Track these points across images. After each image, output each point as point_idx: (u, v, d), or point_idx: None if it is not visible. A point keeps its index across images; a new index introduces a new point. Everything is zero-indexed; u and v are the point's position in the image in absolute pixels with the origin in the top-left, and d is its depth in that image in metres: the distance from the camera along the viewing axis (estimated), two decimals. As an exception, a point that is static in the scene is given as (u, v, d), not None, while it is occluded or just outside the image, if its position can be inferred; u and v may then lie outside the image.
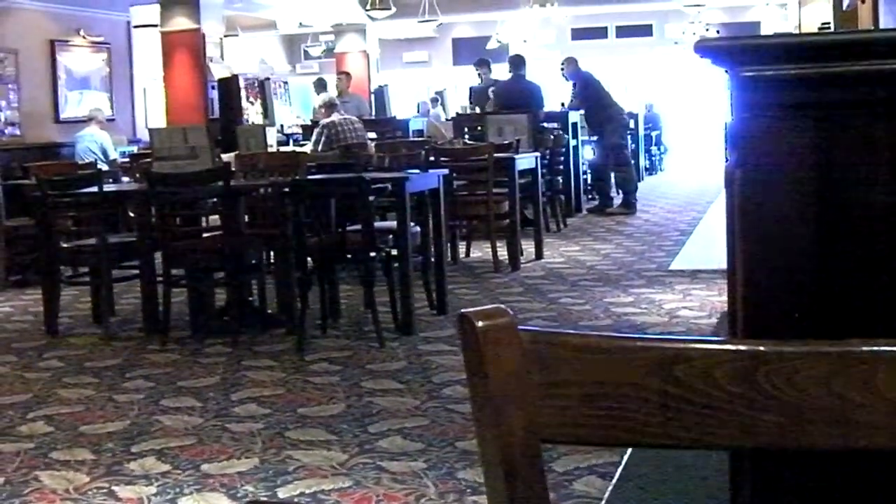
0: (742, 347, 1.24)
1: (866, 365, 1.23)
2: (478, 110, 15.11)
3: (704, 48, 2.03)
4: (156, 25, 16.69)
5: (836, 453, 1.25)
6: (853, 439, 1.22)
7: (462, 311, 1.18)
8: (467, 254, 11.01)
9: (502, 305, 1.20)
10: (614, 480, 4.37)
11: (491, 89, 14.70)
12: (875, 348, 1.24)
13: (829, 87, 1.96)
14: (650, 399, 1.21)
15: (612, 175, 15.03)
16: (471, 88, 16.23)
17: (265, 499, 4.24)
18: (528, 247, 10.65)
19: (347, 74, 17.34)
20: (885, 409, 1.21)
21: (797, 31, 16.84)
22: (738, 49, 2.02)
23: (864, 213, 1.99)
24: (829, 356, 1.23)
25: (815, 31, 15.05)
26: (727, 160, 1.99)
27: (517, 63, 14.43)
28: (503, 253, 10.12)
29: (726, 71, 2.01)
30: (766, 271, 2.01)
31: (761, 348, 1.24)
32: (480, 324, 1.17)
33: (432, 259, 7.96)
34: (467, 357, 1.19)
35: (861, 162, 1.97)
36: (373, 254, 7.05)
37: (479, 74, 15.72)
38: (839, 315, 1.97)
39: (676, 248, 11.20)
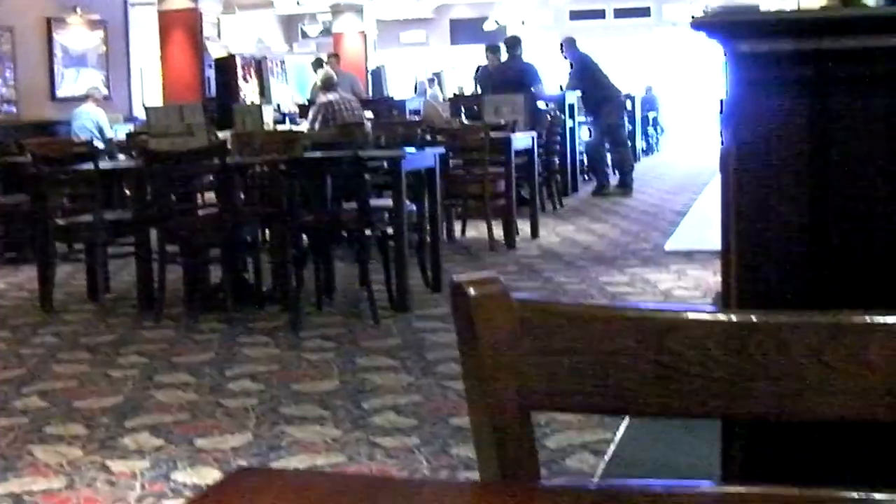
0: (734, 318, 1.24)
1: (858, 336, 1.23)
2: (479, 90, 15.08)
3: (701, 23, 2.02)
4: (153, 4, 16.65)
5: (827, 423, 1.25)
6: (844, 409, 1.22)
7: (454, 278, 1.18)
8: (463, 233, 11.01)
9: (494, 273, 1.20)
10: (607, 457, 4.38)
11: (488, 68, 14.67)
12: (866, 319, 1.24)
13: (826, 62, 1.96)
14: (642, 368, 1.21)
15: (609, 156, 15.01)
16: (478, 68, 16.13)
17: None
18: (523, 226, 10.65)
19: (336, 56, 17.33)
20: (877, 379, 1.21)
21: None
22: (734, 24, 2.02)
23: (860, 190, 1.99)
24: (821, 327, 1.23)
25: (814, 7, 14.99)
26: (722, 142, 1.99)
27: (514, 44, 14.39)
28: (499, 232, 10.12)
29: (722, 46, 2.00)
30: (761, 249, 2.00)
31: (753, 319, 1.24)
32: (472, 291, 1.17)
33: (427, 237, 7.95)
34: (459, 324, 1.19)
35: (857, 138, 1.97)
36: (368, 232, 7.05)
37: (487, 57, 15.61)
38: (833, 294, 1.97)
39: (672, 228, 11.20)
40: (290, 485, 1.12)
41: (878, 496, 1.05)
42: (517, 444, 1.17)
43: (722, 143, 1.97)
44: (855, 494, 1.06)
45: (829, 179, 1.96)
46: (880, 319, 1.23)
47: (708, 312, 1.25)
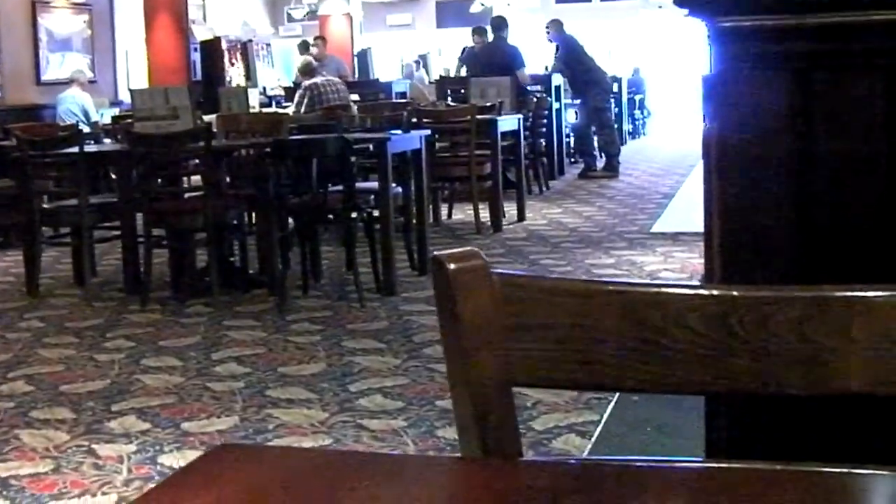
0: (715, 292, 1.24)
1: (840, 310, 1.22)
2: (463, 72, 15.03)
3: (684, 0, 2.01)
4: (138, -14, 16.58)
5: (810, 398, 1.24)
6: (826, 384, 1.22)
7: (434, 253, 1.18)
8: (449, 215, 11.01)
9: (475, 248, 1.19)
10: (593, 439, 4.38)
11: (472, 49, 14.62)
12: (848, 293, 1.24)
13: (810, 38, 1.95)
14: (623, 343, 1.21)
15: (595, 138, 15.00)
16: (464, 49, 16.07)
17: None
18: (510, 209, 10.65)
19: (323, 39, 17.27)
20: (858, 354, 1.21)
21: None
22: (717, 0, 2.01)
23: (844, 168, 1.98)
24: (802, 301, 1.23)
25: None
26: (705, 120, 1.98)
27: (499, 25, 14.31)
28: (485, 215, 10.11)
29: (705, 22, 1.99)
30: (744, 229, 2.00)
31: (734, 293, 1.24)
32: (452, 266, 1.16)
33: (414, 220, 7.95)
34: (439, 299, 1.19)
35: (841, 115, 1.96)
36: (354, 214, 7.04)
37: (473, 38, 15.54)
38: (817, 275, 1.96)
39: (658, 210, 11.20)
40: (272, 460, 1.11)
41: (860, 470, 1.05)
42: (498, 420, 1.17)
43: (704, 121, 1.96)
44: (838, 469, 1.06)
45: (813, 157, 1.95)
46: (862, 294, 1.23)
47: (689, 287, 1.25)
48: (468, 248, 1.18)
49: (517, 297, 1.18)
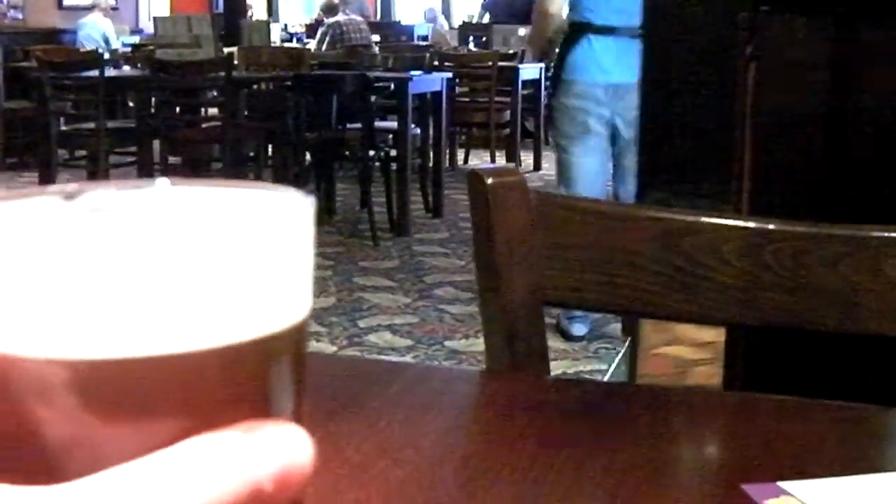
0: (751, 224, 1.23)
1: (875, 250, 1.21)
2: (486, 19, 14.93)
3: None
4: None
5: (834, 336, 1.23)
6: (858, 323, 1.21)
7: (472, 168, 1.17)
8: (465, 161, 10.96)
9: (512, 165, 1.18)
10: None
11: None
12: (884, 234, 1.23)
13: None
14: (655, 269, 1.20)
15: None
16: None
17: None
18: (526, 158, 10.60)
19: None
20: (893, 295, 1.20)
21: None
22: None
23: (875, 115, 1.97)
24: (839, 239, 1.22)
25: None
26: (743, 52, 1.96)
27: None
28: (501, 163, 10.07)
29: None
30: (776, 171, 1.99)
31: (770, 226, 1.23)
32: (490, 181, 1.15)
33: (430, 162, 7.92)
34: (475, 214, 1.18)
35: (876, 65, 1.95)
36: (372, 153, 7.02)
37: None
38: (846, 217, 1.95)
39: (675, 168, 11.16)
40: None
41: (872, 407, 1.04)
42: (528, 337, 1.16)
43: (743, 55, 1.94)
44: (870, 406, 1.04)
45: (845, 103, 1.94)
46: (899, 234, 1.22)
47: (725, 217, 1.23)
48: (507, 164, 1.17)
49: (553, 216, 1.17)
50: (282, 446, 0.34)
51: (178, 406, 0.34)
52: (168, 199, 0.40)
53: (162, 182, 0.39)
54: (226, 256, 0.34)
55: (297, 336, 0.37)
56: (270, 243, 0.36)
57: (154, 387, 0.34)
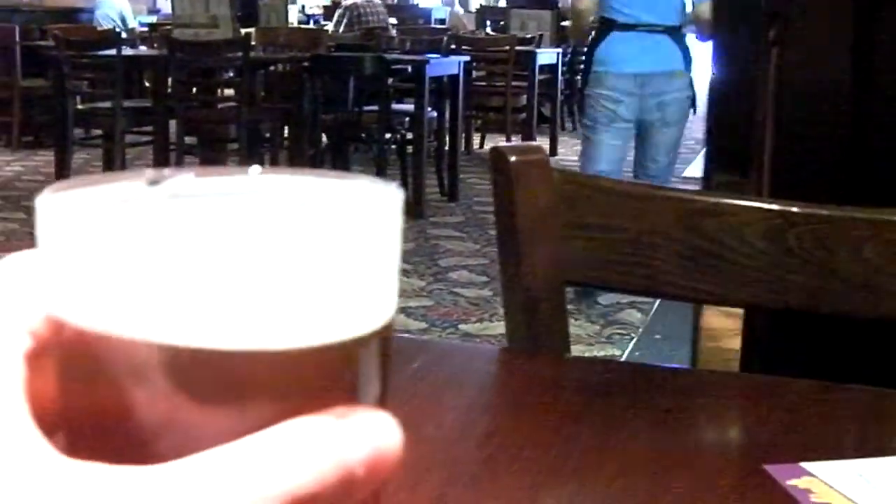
0: (774, 207, 1.22)
1: (898, 234, 1.21)
2: (502, 3, 14.93)
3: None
4: None
5: (856, 319, 1.23)
6: (880, 306, 1.20)
7: (495, 146, 1.16)
8: (481, 145, 10.95)
9: (536, 143, 1.18)
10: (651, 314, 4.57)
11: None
12: (908, 218, 1.22)
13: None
14: (677, 250, 1.20)
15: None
16: None
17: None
18: (542, 143, 10.58)
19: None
20: (914, 278, 1.19)
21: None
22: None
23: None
24: (862, 222, 1.22)
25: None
26: (766, 38, 1.95)
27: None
28: (517, 147, 10.05)
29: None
30: (798, 154, 1.98)
31: (793, 209, 1.22)
32: (514, 159, 1.15)
33: (446, 146, 7.91)
34: (497, 192, 1.17)
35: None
36: (388, 135, 7.01)
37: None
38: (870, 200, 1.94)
39: (691, 156, 11.13)
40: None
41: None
42: (548, 317, 1.16)
43: (765, 39, 1.94)
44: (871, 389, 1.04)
45: (871, 84, 1.93)
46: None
47: (749, 199, 1.23)
48: (531, 142, 1.17)
49: (576, 194, 1.17)
50: (373, 432, 0.35)
51: (269, 398, 0.34)
52: (265, 189, 0.39)
53: (254, 170, 0.39)
54: (324, 252, 0.34)
55: (388, 332, 0.37)
56: (368, 238, 0.36)
57: (248, 379, 0.34)
